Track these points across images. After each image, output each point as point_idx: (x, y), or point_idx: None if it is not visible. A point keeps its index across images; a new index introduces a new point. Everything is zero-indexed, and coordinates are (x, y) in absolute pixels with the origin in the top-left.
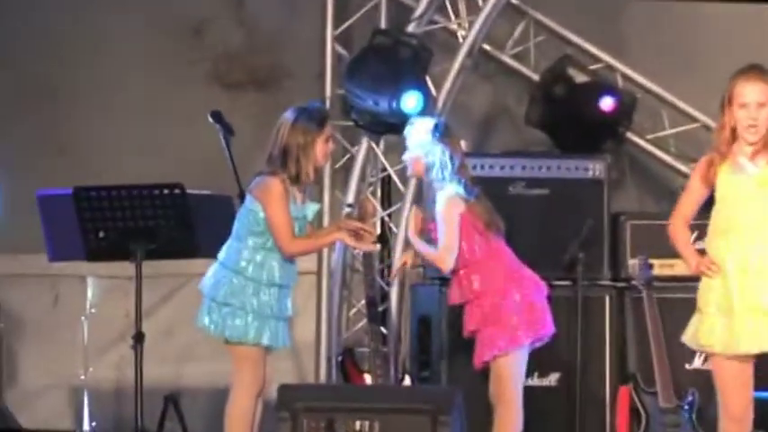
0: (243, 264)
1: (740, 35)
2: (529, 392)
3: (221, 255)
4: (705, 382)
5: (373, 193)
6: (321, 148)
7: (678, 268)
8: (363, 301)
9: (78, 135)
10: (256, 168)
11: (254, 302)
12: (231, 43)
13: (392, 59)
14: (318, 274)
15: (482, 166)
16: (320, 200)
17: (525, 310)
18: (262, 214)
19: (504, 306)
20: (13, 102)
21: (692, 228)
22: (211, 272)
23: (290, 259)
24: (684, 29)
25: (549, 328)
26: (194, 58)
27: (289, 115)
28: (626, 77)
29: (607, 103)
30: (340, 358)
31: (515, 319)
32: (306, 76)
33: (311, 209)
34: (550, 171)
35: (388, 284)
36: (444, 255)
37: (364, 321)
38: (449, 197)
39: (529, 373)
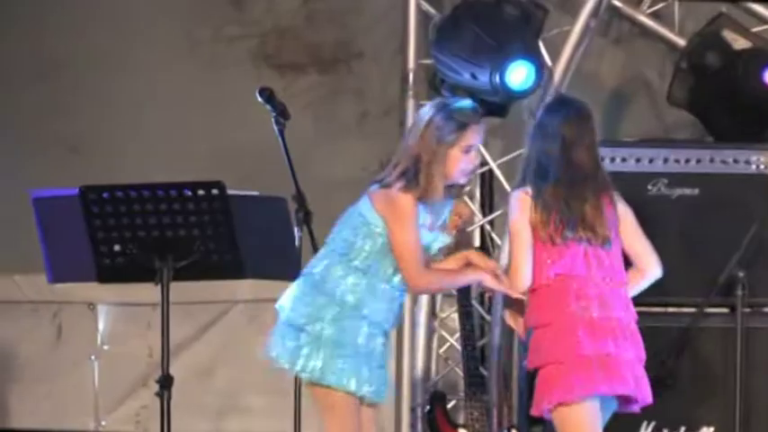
0: (344, 289)
1: None
2: None
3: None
4: None
5: (470, 194)
6: (455, 160)
7: None
8: (458, 335)
9: (91, 128)
10: (316, 167)
11: (358, 341)
12: (283, 15)
13: (495, 20)
14: None
15: (613, 159)
16: None
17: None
18: (379, 229)
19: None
20: (6, 84)
21: None
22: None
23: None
24: None
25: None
26: (236, 34)
27: (424, 112)
28: None
29: None
30: (428, 408)
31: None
32: (381, 51)
33: (440, 240)
34: (701, 165)
35: (489, 312)
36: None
37: (459, 361)
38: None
39: (674, 428)
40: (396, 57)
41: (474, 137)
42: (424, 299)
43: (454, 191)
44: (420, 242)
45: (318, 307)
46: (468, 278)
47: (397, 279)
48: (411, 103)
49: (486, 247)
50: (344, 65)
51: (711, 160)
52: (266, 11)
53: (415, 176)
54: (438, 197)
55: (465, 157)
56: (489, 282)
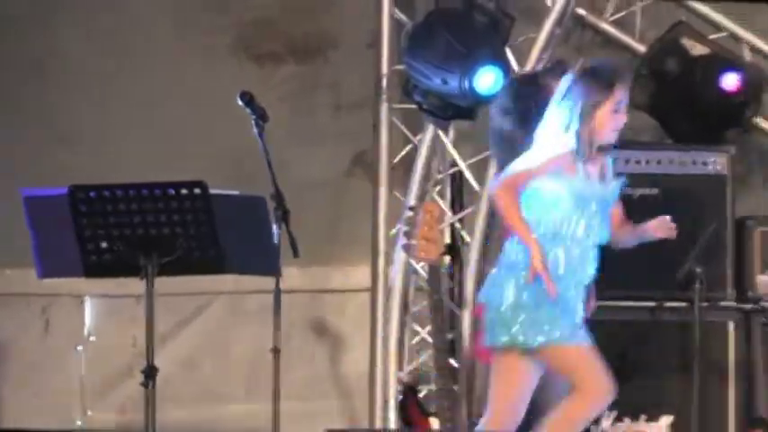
0: None
1: None
2: None
3: None
4: None
5: (440, 194)
6: (605, 118)
7: None
8: (429, 328)
9: (71, 125)
10: (295, 161)
11: None
12: (261, 6)
13: (465, 28)
14: (373, 292)
15: None
16: (376, 201)
17: None
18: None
19: None
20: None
21: None
22: None
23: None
24: None
25: None
26: (214, 25)
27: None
28: (754, 49)
29: (730, 82)
30: (400, 398)
31: None
32: (356, 45)
33: (612, 188)
34: (661, 166)
35: (460, 306)
36: None
37: (430, 352)
38: None
39: (635, 416)
40: (371, 48)
41: (621, 94)
42: (397, 292)
43: (608, 148)
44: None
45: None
46: (531, 244)
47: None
48: (384, 107)
49: (457, 246)
50: (320, 55)
51: (671, 161)
52: (244, 1)
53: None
54: (588, 156)
55: (615, 116)
56: (538, 264)
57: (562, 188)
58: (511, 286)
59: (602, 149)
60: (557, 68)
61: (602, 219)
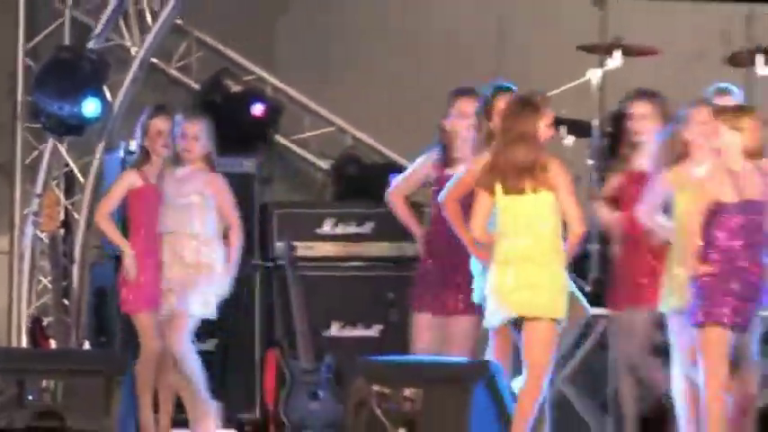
0: None
1: (367, 48)
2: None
3: None
4: (340, 347)
5: (58, 185)
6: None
7: (318, 250)
8: (50, 278)
9: None
10: None
11: None
12: None
13: (74, 71)
14: (11, 254)
15: None
16: (11, 192)
17: None
18: None
19: None
20: None
21: None
22: None
23: None
24: (326, 44)
25: None
26: None
27: None
28: (275, 88)
29: (258, 109)
30: (30, 326)
31: None
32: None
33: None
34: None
35: (71, 263)
36: None
37: (50, 294)
38: None
39: (195, 338)
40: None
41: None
42: (28, 253)
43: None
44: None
45: None
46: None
47: None
48: (19, 125)
49: (69, 221)
50: None
51: (218, 164)
52: None
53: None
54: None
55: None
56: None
57: None
58: None
59: None
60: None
61: None
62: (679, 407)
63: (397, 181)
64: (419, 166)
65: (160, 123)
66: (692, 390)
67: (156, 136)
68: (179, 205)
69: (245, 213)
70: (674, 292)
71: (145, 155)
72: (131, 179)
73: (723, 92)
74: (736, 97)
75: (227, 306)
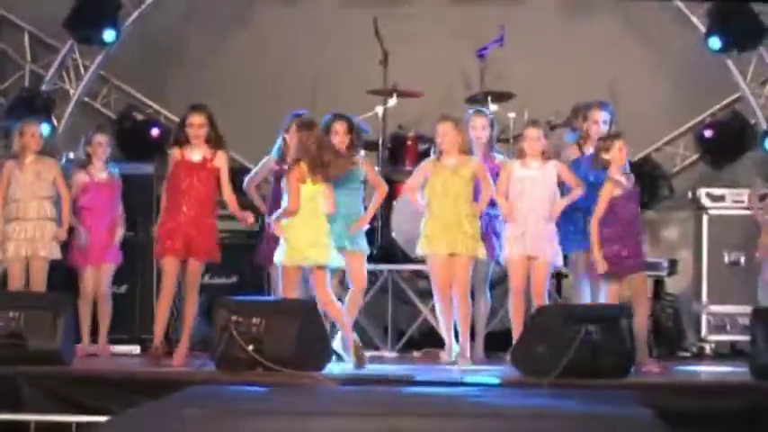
0: None
1: (232, 90)
2: None
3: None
4: (209, 290)
5: None
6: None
7: None
8: None
9: None
10: None
11: None
12: None
13: (32, 105)
14: None
15: None
16: None
17: None
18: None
19: None
20: None
21: None
22: None
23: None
24: (203, 87)
25: None
26: None
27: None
28: (166, 117)
29: (155, 132)
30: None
31: None
32: None
33: None
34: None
35: None
36: None
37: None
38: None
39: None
40: None
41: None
42: None
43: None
44: None
45: None
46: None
47: None
48: None
49: None
50: None
51: (129, 168)
52: None
53: None
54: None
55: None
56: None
57: None
58: None
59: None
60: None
61: None
62: None
63: (249, 175)
64: (266, 163)
65: (99, 138)
66: None
67: (97, 146)
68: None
69: (147, 201)
70: None
71: (89, 159)
72: (81, 176)
73: (479, 112)
74: (489, 115)
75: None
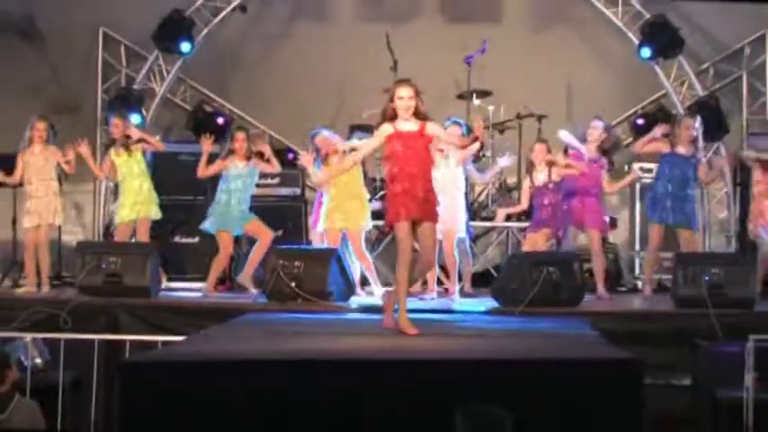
0: None
1: (288, 86)
2: None
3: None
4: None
5: None
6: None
7: None
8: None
9: None
10: None
11: None
12: None
13: (127, 101)
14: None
15: None
16: None
17: None
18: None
19: None
20: None
21: None
22: None
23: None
24: (259, 86)
25: None
26: None
27: None
28: (229, 110)
29: (220, 120)
30: (104, 230)
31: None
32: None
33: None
34: None
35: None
36: None
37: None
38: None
39: None
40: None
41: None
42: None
43: None
44: None
45: None
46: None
47: None
48: (98, 129)
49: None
50: None
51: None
52: None
53: None
54: None
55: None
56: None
57: None
58: None
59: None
60: None
61: None
62: None
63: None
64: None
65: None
66: None
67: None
68: None
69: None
70: None
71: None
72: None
73: (456, 123)
74: (462, 126)
75: None
